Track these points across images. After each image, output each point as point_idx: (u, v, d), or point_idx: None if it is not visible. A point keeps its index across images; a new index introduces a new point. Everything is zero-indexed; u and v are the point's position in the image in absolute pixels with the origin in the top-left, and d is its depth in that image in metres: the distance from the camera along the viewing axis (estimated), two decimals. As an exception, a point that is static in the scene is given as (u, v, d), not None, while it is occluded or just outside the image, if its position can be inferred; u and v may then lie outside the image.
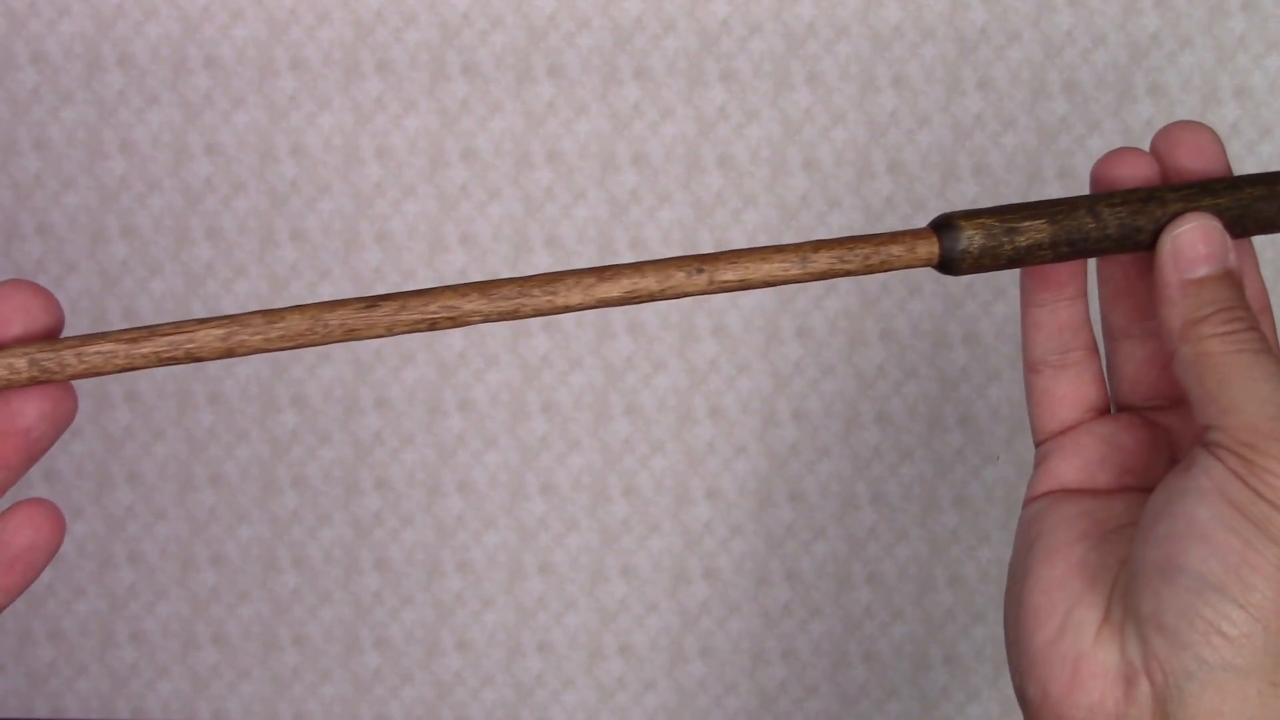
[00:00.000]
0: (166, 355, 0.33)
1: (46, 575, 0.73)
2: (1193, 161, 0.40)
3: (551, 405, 0.73)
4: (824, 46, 0.70)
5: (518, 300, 0.35)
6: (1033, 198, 0.69)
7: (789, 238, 0.71)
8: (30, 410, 0.33)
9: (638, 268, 0.35)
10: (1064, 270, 0.41)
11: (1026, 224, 0.38)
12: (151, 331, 0.33)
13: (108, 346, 0.33)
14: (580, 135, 0.70)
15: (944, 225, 0.38)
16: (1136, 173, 0.40)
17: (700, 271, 0.35)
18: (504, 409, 0.73)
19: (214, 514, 0.74)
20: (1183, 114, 0.70)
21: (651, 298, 0.35)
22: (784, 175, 0.71)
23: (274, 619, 0.75)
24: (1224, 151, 0.41)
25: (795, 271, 0.36)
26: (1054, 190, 0.71)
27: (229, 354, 0.34)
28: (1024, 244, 0.37)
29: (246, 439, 0.73)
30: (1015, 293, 0.72)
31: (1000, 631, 0.75)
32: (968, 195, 0.70)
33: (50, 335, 0.34)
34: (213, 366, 0.71)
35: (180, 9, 0.69)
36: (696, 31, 0.69)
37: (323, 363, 0.72)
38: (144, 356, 0.33)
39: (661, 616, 0.75)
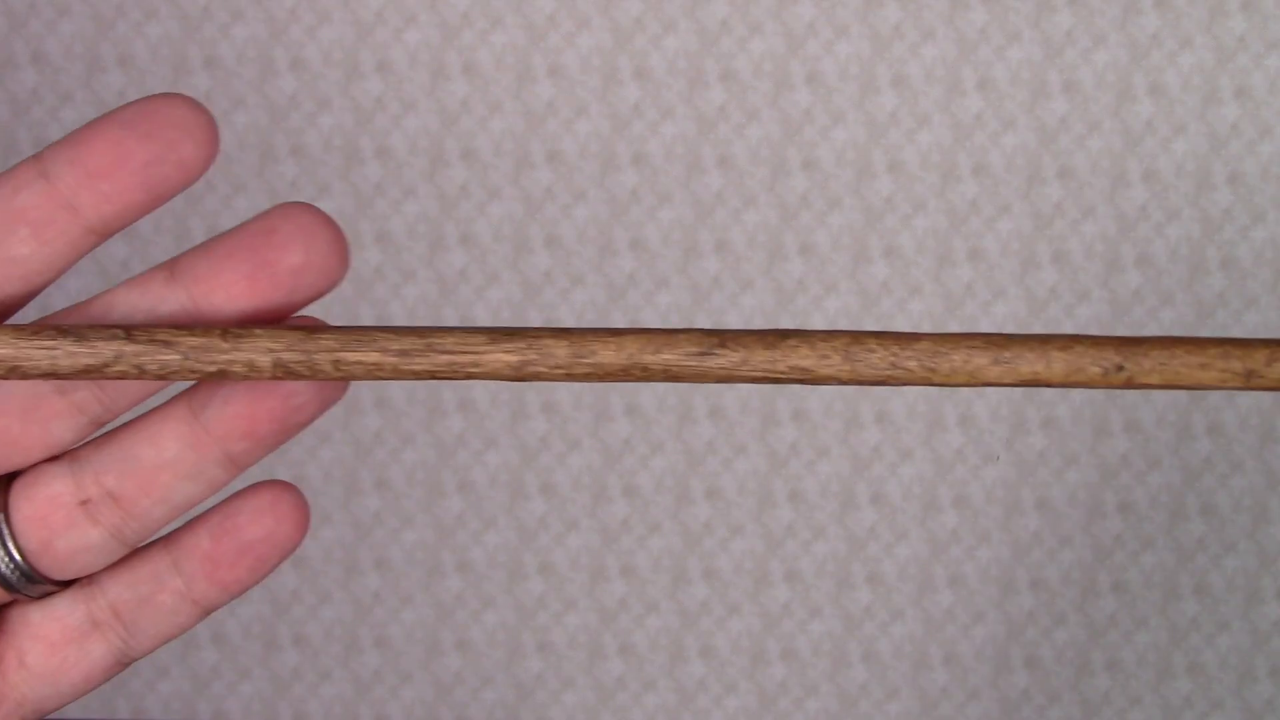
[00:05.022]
0: (443, 374, 0.28)
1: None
2: None
3: (551, 405, 0.73)
4: (824, 46, 0.70)
5: (886, 372, 0.29)
6: (1033, 197, 0.70)
7: (788, 238, 0.71)
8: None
9: (1043, 351, 0.28)
10: None
11: None
12: (429, 345, 0.28)
13: (373, 357, 0.28)
14: (580, 135, 0.70)
15: None
16: None
17: (1121, 370, 0.29)
18: (504, 408, 0.73)
19: (214, 514, 0.74)
20: (1181, 113, 0.70)
21: (1049, 385, 0.29)
22: (784, 175, 0.71)
23: (274, 619, 0.75)
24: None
25: (1235, 384, 0.29)
26: (1053, 190, 0.71)
27: (519, 380, 0.28)
28: None
29: (246, 439, 0.73)
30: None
31: (998, 630, 0.75)
32: (967, 195, 0.70)
33: (334, 269, 0.28)
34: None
35: (180, 9, 0.69)
36: (696, 31, 0.69)
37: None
38: (414, 372, 0.28)
39: (661, 616, 0.75)
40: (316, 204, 0.77)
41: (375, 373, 0.28)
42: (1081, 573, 0.74)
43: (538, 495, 0.74)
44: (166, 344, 0.28)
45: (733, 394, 0.73)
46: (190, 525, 0.30)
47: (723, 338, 0.28)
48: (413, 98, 0.70)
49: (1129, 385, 0.29)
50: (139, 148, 0.27)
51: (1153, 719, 0.75)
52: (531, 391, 0.73)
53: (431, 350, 0.28)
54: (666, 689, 0.76)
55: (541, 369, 0.28)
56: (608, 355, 0.28)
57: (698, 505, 0.74)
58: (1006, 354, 0.28)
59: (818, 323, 0.72)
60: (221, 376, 0.28)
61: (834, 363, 0.28)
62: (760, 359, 0.28)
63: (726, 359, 0.28)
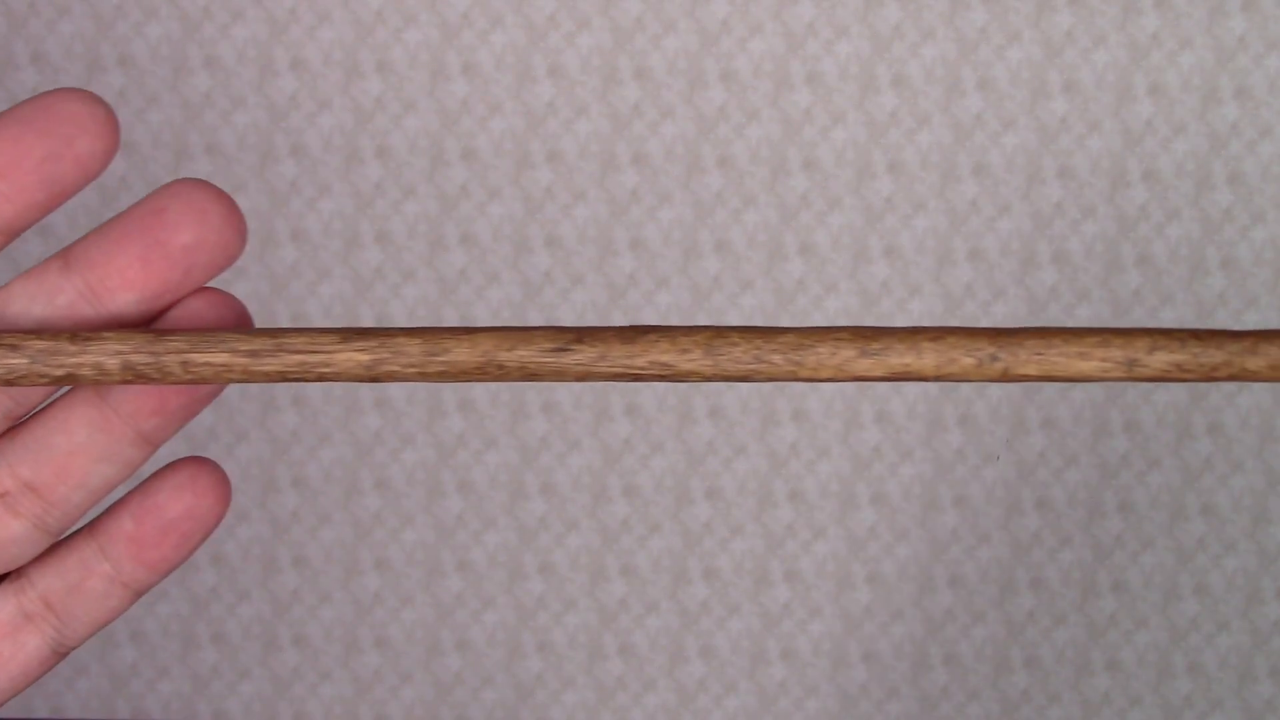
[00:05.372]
0: (294, 375, 0.28)
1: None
2: None
3: (551, 405, 0.73)
4: (824, 46, 0.70)
5: (750, 367, 0.28)
6: (1033, 197, 0.70)
7: (788, 238, 0.71)
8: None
9: (913, 342, 0.28)
10: None
11: None
12: (279, 345, 0.28)
13: (221, 358, 0.27)
14: (580, 135, 0.70)
15: None
16: None
17: (995, 360, 0.28)
18: (504, 408, 0.73)
19: (214, 514, 0.74)
20: (1181, 113, 0.70)
21: (922, 379, 0.28)
22: (784, 175, 0.71)
23: (274, 619, 0.75)
24: None
25: (1117, 375, 0.28)
26: (1053, 190, 0.71)
27: (373, 380, 0.28)
28: None
29: (247, 439, 0.73)
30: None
31: (998, 631, 0.75)
32: (967, 195, 0.70)
33: (229, 244, 0.28)
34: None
35: (180, 9, 0.69)
36: (696, 31, 0.69)
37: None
38: (265, 374, 0.28)
39: (661, 616, 0.75)
40: (316, 204, 0.77)
41: (224, 375, 0.28)
42: (1081, 573, 0.74)
43: (538, 495, 0.74)
44: (13, 348, 0.27)
45: (733, 394, 0.73)
46: (112, 509, 0.30)
47: (580, 334, 0.28)
48: (413, 98, 0.70)
49: (1005, 378, 0.28)
50: (36, 144, 0.27)
51: (1153, 719, 0.75)
52: (531, 391, 0.73)
53: (282, 350, 0.28)
54: (666, 689, 0.76)
55: (395, 368, 0.28)
56: (462, 353, 0.27)
57: (698, 505, 0.74)
58: (875, 346, 0.28)
59: (818, 322, 0.72)
60: (70, 380, 0.27)
61: (695, 357, 0.28)
62: (619, 354, 0.27)
63: (583, 355, 0.28)
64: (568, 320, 0.72)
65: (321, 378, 0.28)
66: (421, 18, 0.69)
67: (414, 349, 0.27)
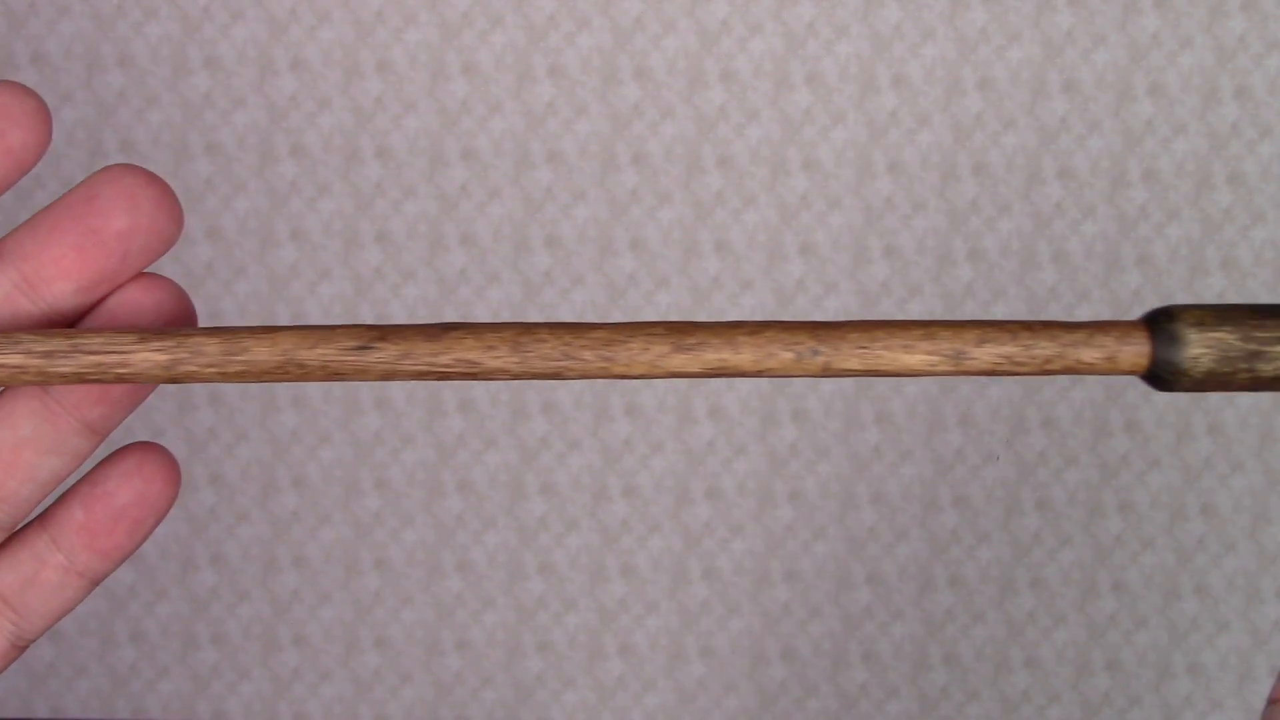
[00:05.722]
0: (91, 376, 0.27)
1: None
2: None
3: (551, 405, 0.73)
4: (824, 46, 0.70)
5: (559, 364, 0.27)
6: (1033, 197, 0.69)
7: (788, 238, 0.71)
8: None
9: (730, 337, 0.27)
10: None
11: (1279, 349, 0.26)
12: (74, 346, 0.27)
13: (16, 359, 0.27)
14: (580, 135, 0.70)
15: (1161, 329, 0.27)
16: None
17: (816, 354, 0.27)
18: (504, 408, 0.73)
19: (214, 514, 0.74)
20: (1181, 113, 0.70)
21: (741, 374, 0.27)
22: (784, 175, 0.71)
23: (274, 619, 0.75)
24: None
25: (944, 369, 0.27)
26: (1053, 190, 0.71)
27: (173, 381, 0.27)
28: (1270, 374, 0.26)
29: (246, 439, 0.73)
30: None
31: (998, 631, 0.75)
32: (967, 195, 0.70)
33: (165, 228, 0.28)
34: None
35: (180, 9, 0.69)
36: (696, 31, 0.69)
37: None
38: (61, 375, 0.27)
39: (661, 616, 0.75)
40: (316, 204, 0.77)
41: (19, 376, 0.27)
42: (1081, 573, 0.74)
43: (537, 495, 0.74)
44: None
45: (733, 394, 0.73)
46: (62, 499, 0.30)
47: (383, 331, 0.27)
48: (413, 98, 0.70)
49: (827, 373, 0.27)
50: None
51: (1152, 719, 0.75)
52: (531, 391, 0.73)
53: (77, 351, 0.27)
54: (666, 689, 0.76)
55: (193, 368, 0.27)
56: (261, 352, 0.27)
57: (698, 505, 0.74)
58: (690, 341, 0.27)
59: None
60: None
61: (501, 354, 0.27)
62: (423, 352, 0.27)
63: (386, 353, 0.27)
64: (567, 320, 0.72)
65: (120, 379, 0.27)
66: (421, 18, 0.69)
67: (212, 349, 0.27)
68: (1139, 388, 0.72)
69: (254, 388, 0.72)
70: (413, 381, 0.73)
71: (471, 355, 0.27)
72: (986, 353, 0.26)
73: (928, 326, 0.27)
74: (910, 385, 0.72)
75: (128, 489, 0.29)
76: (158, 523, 0.30)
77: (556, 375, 0.27)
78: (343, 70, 0.70)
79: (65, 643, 0.75)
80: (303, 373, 0.27)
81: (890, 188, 0.71)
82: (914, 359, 0.27)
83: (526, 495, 0.74)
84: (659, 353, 0.27)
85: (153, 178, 0.28)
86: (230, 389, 0.72)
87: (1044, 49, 0.69)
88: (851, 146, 0.70)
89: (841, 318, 0.72)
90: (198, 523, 0.74)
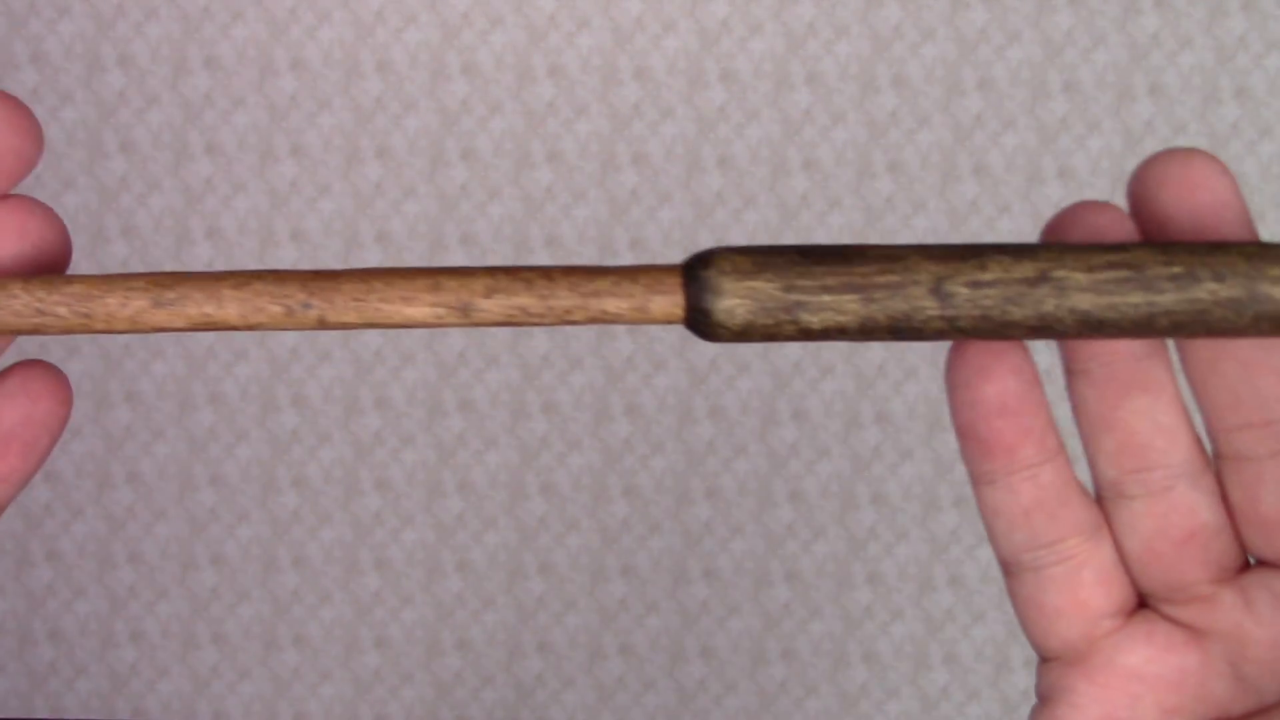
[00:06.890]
0: None
1: (47, 574, 0.73)
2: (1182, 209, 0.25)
3: (552, 404, 0.73)
4: (824, 46, 0.70)
5: (34, 320, 0.26)
6: (1033, 198, 0.70)
7: (789, 238, 0.71)
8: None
9: (214, 290, 0.26)
10: (1012, 427, 0.25)
11: (826, 298, 0.24)
12: None
13: None
14: (580, 135, 0.70)
15: (695, 277, 0.25)
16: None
17: (308, 308, 0.26)
18: (504, 408, 0.73)
19: (214, 514, 0.74)
20: (1179, 113, 0.70)
21: (231, 329, 0.26)
22: (784, 175, 0.71)
23: (274, 619, 0.75)
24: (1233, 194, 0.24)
25: (453, 321, 0.25)
26: (1054, 190, 0.71)
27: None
28: (818, 325, 0.24)
29: (246, 439, 0.73)
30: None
31: (1000, 631, 0.75)
32: (967, 195, 0.70)
33: (55, 257, 0.27)
34: (213, 366, 0.71)
35: (180, 9, 0.69)
36: (696, 31, 0.69)
37: (323, 362, 0.72)
38: None
39: (662, 616, 0.75)
40: (316, 204, 0.77)
41: None
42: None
43: (537, 495, 0.74)
44: None
45: (732, 394, 0.73)
46: None
47: None
48: (413, 98, 0.70)
49: (323, 326, 0.26)
50: None
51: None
52: (531, 391, 0.73)
53: None
54: (666, 689, 0.76)
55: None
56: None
57: (696, 505, 0.74)
58: (170, 295, 0.26)
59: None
60: None
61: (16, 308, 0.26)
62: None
63: None
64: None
65: None
66: (421, 18, 0.69)
67: None
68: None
69: (254, 387, 0.72)
70: (413, 382, 0.73)
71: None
72: (497, 304, 0.25)
73: (434, 275, 0.25)
74: (910, 384, 0.72)
75: (14, 410, 0.28)
76: (53, 442, 0.28)
77: (34, 331, 0.26)
78: (343, 70, 0.70)
79: (65, 643, 0.75)
80: None
81: (890, 188, 0.71)
82: (416, 311, 0.25)
83: (526, 495, 0.74)
84: (138, 308, 0.26)
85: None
86: (231, 388, 0.72)
87: (1044, 49, 0.69)
88: (851, 146, 0.70)
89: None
90: (197, 523, 0.74)
